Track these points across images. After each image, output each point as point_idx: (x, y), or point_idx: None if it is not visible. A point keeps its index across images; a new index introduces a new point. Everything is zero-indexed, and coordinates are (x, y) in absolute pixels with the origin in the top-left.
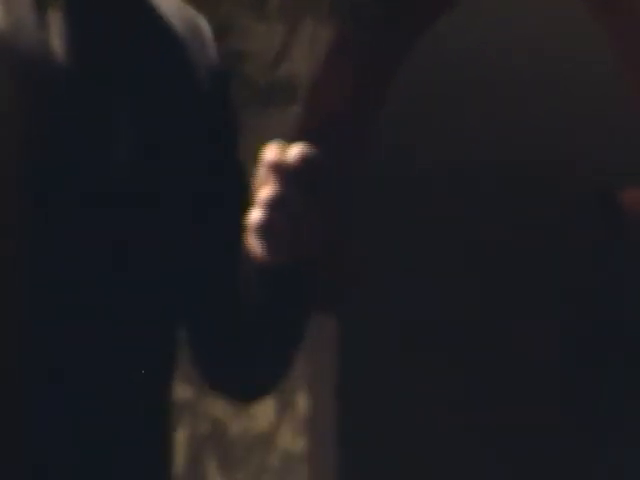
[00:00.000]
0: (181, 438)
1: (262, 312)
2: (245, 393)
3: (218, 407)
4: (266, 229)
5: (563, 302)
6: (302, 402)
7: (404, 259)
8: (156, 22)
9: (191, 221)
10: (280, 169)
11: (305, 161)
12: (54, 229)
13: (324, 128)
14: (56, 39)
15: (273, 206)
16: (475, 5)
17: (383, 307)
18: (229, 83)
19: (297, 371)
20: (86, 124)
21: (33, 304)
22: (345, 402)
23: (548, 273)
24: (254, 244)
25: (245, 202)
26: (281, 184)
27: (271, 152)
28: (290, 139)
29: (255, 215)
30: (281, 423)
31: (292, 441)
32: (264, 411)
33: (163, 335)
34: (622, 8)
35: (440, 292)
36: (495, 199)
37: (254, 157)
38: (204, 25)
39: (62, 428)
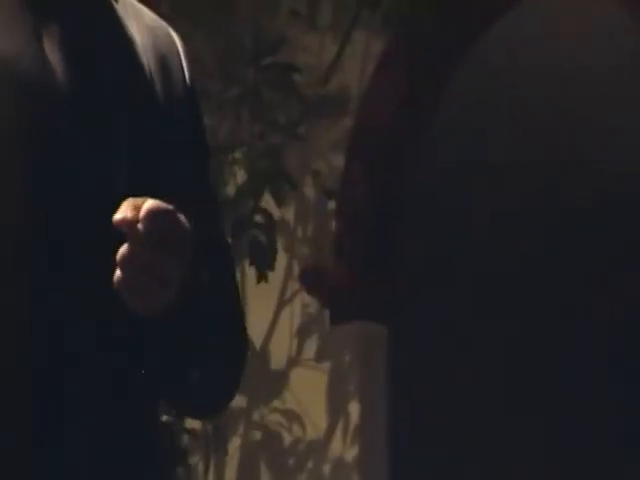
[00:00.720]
0: (234, 447)
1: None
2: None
3: (271, 416)
4: (123, 284)
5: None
6: (355, 411)
7: (447, 267)
8: (132, 37)
9: None
10: (133, 226)
11: (156, 218)
12: (50, 240)
13: (376, 139)
14: (49, 56)
15: (125, 264)
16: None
17: (432, 316)
18: (197, 99)
19: (349, 380)
20: (79, 137)
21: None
22: (397, 410)
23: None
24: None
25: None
26: (132, 241)
27: (125, 208)
28: (342, 151)
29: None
30: (333, 432)
31: (344, 449)
32: (317, 420)
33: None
34: None
35: (482, 298)
36: (539, 209)
37: (308, 170)
38: (177, 39)
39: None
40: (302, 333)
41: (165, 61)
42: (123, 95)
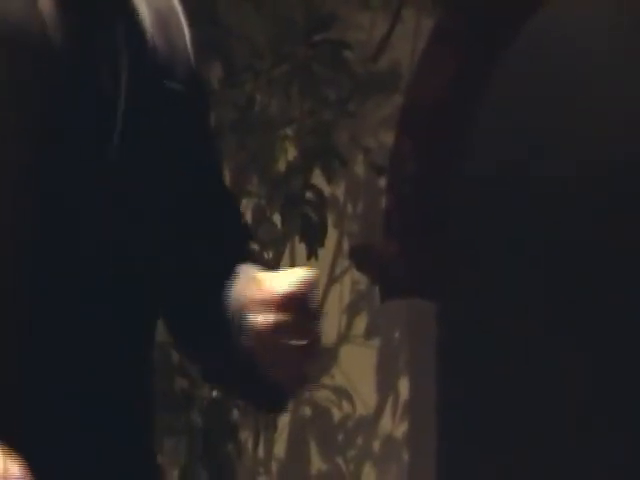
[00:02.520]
0: (283, 423)
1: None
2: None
3: (321, 392)
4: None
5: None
6: (404, 388)
7: (496, 248)
8: (133, 10)
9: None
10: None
11: (308, 288)
12: (43, 222)
13: (425, 118)
14: (45, 18)
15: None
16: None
17: (482, 294)
18: (198, 71)
19: (398, 356)
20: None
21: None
22: (446, 387)
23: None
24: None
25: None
26: (286, 313)
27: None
28: (392, 128)
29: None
30: (383, 409)
31: (394, 426)
32: (366, 397)
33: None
34: None
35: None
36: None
37: (359, 147)
38: (180, 10)
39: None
40: (351, 310)
41: (165, 20)
42: (122, 54)
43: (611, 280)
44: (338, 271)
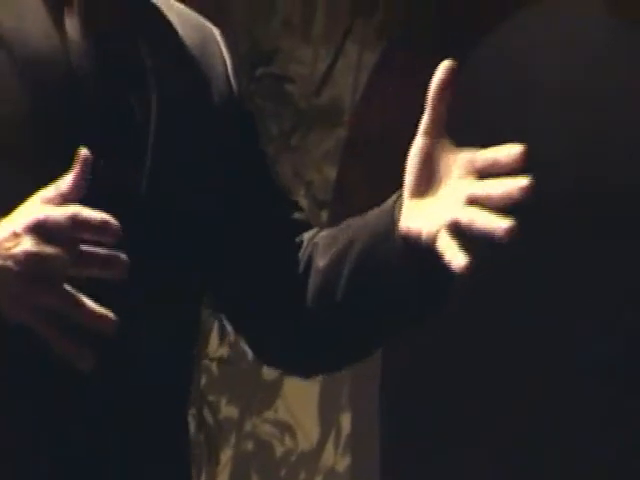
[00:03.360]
0: (226, 457)
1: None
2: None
3: (263, 426)
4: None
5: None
6: (346, 422)
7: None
8: (167, 34)
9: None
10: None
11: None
12: None
13: (368, 151)
14: (71, 45)
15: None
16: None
17: (425, 332)
18: (243, 96)
19: (341, 391)
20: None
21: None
22: (388, 421)
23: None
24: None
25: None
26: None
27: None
28: (335, 162)
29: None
30: (325, 442)
31: (336, 460)
32: (309, 430)
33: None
34: None
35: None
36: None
37: (302, 181)
38: (218, 36)
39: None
40: None
41: (204, 55)
42: (157, 85)
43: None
44: None
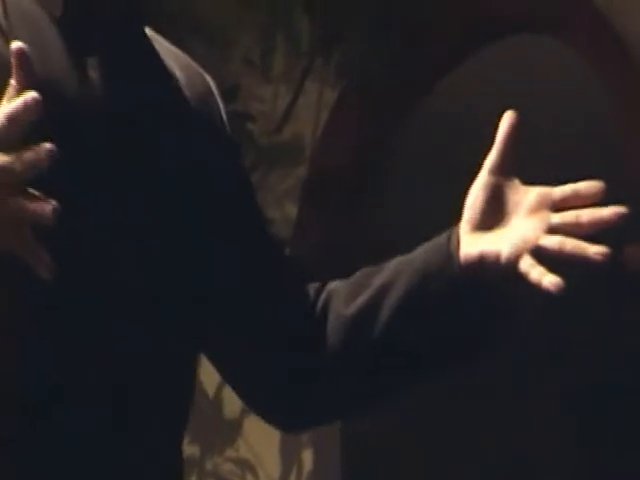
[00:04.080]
0: None
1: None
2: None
3: (225, 465)
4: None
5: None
6: (308, 459)
7: None
8: (169, 76)
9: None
10: None
11: None
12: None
13: (329, 189)
14: (92, 90)
15: None
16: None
17: None
18: (237, 145)
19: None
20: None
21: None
22: (350, 458)
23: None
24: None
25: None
26: None
27: None
28: (296, 200)
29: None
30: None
31: None
32: (270, 469)
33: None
34: None
35: None
36: None
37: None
38: (212, 83)
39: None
40: None
41: (201, 98)
42: (166, 125)
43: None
44: None
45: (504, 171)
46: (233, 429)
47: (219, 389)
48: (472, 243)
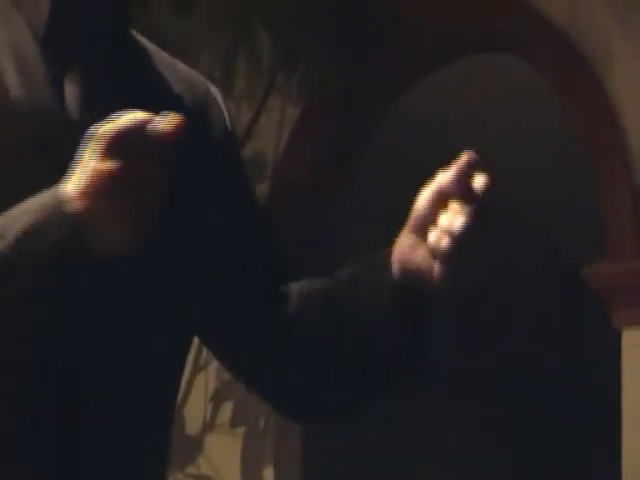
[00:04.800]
0: None
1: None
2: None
3: None
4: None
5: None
6: (269, 476)
7: None
8: (164, 88)
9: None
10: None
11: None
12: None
13: (291, 205)
14: (70, 104)
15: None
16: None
17: None
18: (239, 152)
19: (264, 444)
20: None
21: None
22: (311, 473)
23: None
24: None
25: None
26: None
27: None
28: None
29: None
30: None
31: None
32: None
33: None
34: None
35: None
36: None
37: None
38: (216, 94)
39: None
40: (217, 398)
41: (201, 107)
42: None
43: None
44: (203, 360)
45: (446, 198)
46: (194, 445)
47: (181, 406)
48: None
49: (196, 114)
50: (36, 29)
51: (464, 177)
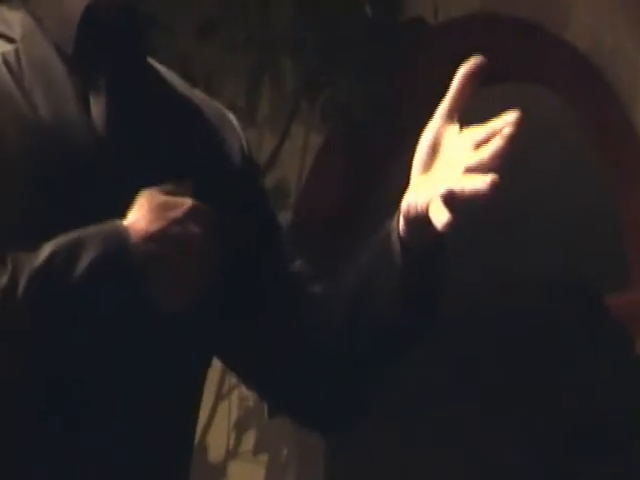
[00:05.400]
0: None
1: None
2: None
3: None
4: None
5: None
6: None
7: None
8: (188, 109)
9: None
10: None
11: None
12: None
13: (316, 232)
14: (96, 120)
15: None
16: None
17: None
18: (258, 176)
19: (287, 473)
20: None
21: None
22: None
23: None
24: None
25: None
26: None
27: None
28: None
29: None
30: None
31: None
32: None
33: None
34: None
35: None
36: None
37: None
38: (234, 121)
39: None
40: (240, 426)
41: (218, 132)
42: (172, 161)
43: None
44: (226, 388)
45: (453, 118)
46: (217, 473)
47: (203, 434)
48: (408, 195)
49: (212, 138)
50: (63, 48)
51: (465, 93)
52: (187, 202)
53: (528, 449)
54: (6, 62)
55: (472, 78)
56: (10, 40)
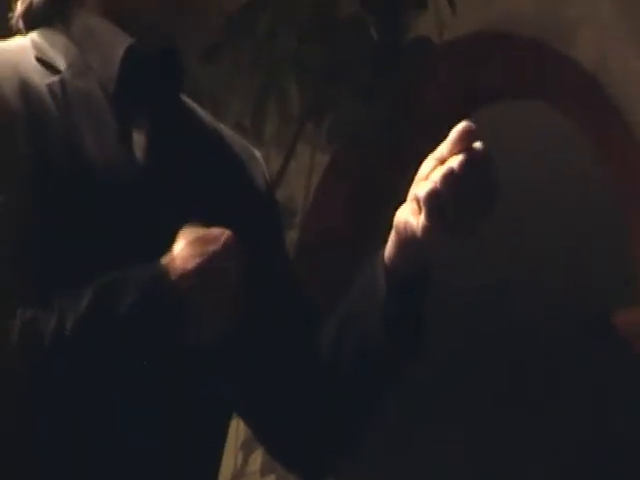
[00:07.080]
0: None
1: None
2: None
3: None
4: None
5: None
6: None
7: None
8: (220, 144)
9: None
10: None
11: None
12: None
13: (320, 253)
14: (139, 156)
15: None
16: None
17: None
18: (278, 211)
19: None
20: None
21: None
22: None
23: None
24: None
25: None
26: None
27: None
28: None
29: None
30: None
31: None
32: None
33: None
34: None
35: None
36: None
37: None
38: (258, 155)
39: None
40: (247, 446)
41: (247, 169)
42: (212, 195)
43: None
44: None
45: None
46: None
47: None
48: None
49: (242, 171)
50: (106, 85)
51: (463, 143)
52: (226, 233)
53: (530, 455)
54: (52, 92)
55: (463, 140)
56: (56, 71)
